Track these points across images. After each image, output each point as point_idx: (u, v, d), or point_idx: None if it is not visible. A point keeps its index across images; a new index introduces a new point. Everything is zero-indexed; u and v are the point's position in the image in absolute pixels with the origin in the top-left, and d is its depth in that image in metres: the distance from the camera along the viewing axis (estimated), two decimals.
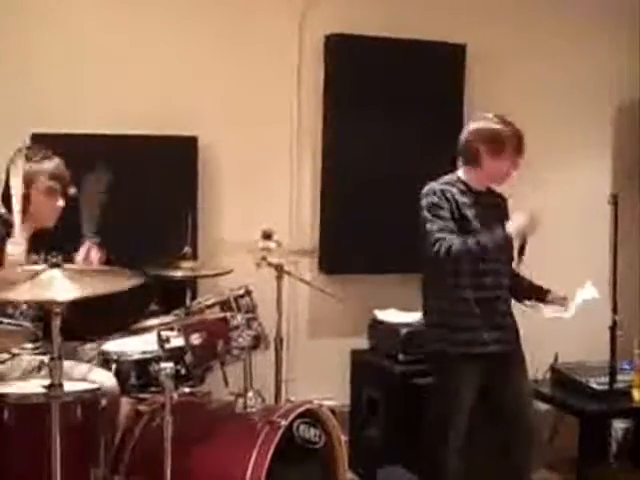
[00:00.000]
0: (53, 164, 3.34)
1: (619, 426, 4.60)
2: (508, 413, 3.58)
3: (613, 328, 4.08)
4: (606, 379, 4.12)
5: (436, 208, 3.44)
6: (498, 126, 3.48)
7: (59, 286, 2.60)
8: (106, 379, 3.16)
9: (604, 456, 4.25)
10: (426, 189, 3.52)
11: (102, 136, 4.07)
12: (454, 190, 3.50)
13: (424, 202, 3.49)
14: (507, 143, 3.48)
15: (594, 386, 4.25)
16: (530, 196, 4.75)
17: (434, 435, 3.57)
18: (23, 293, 2.69)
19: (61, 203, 3.35)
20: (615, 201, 3.96)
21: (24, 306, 3.28)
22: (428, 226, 3.43)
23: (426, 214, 3.46)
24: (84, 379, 3.08)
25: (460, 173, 3.59)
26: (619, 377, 4.17)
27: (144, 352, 3.35)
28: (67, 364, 2.92)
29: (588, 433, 4.25)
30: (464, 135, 3.54)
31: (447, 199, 3.46)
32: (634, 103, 5.17)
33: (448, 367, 3.49)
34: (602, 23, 5.08)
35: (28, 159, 3.27)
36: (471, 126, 3.54)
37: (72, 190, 3.36)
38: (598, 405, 4.17)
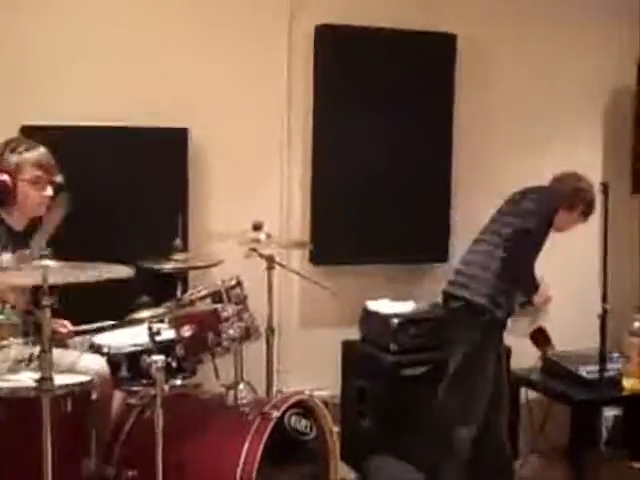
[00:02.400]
0: (38, 153, 3.32)
1: (609, 414, 4.64)
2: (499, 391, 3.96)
3: (603, 317, 4.10)
4: (596, 367, 4.13)
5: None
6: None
7: (49, 273, 2.62)
8: (96, 364, 3.15)
9: (595, 444, 4.28)
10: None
11: (92, 128, 4.05)
12: None
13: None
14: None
15: (584, 374, 4.28)
16: (521, 185, 4.78)
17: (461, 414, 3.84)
18: (14, 277, 2.71)
19: (49, 192, 3.33)
20: (605, 190, 3.97)
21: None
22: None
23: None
24: (73, 367, 3.08)
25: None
26: (609, 365, 4.19)
27: (135, 345, 3.36)
28: (56, 352, 2.92)
29: (579, 421, 4.28)
30: (581, 186, 4.00)
31: None
32: (626, 92, 5.17)
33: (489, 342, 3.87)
34: (595, 12, 5.06)
35: (13, 150, 3.27)
36: (584, 183, 4.01)
37: (59, 178, 3.35)
38: (588, 393, 4.19)
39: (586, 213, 4.03)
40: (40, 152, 3.33)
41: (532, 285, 3.94)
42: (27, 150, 3.31)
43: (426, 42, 4.71)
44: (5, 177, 3.26)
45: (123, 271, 2.75)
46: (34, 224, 3.43)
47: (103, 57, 4.18)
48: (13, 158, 3.27)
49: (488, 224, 4.05)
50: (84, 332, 3.47)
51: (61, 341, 3.34)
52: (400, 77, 4.66)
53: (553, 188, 4.02)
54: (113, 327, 3.49)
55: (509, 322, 3.99)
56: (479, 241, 4.02)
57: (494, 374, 3.91)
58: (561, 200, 3.96)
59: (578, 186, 3.99)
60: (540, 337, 4.23)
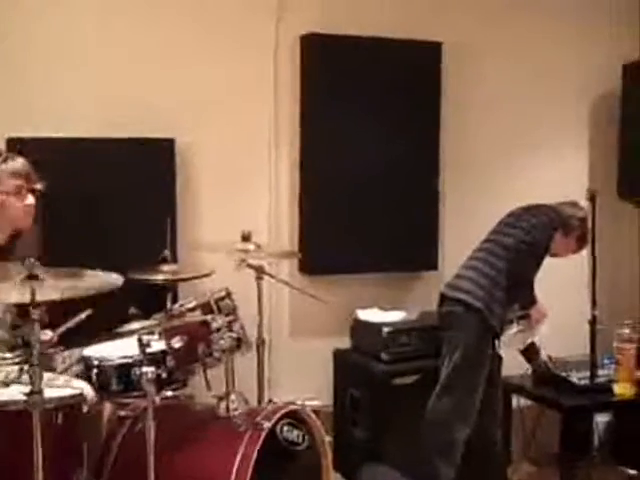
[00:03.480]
0: (15, 163, 3.31)
1: (601, 420, 4.64)
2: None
3: (593, 323, 4.11)
4: (587, 373, 4.14)
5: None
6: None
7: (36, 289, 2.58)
8: (84, 390, 3.13)
9: (586, 450, 4.28)
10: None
11: (79, 139, 4.05)
12: None
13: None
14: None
15: (575, 381, 4.27)
16: (508, 192, 4.81)
17: (458, 415, 3.87)
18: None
19: (31, 200, 3.32)
20: (593, 196, 3.99)
21: None
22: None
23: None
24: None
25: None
26: (600, 371, 4.21)
27: (125, 357, 3.32)
28: (46, 376, 2.90)
29: (570, 427, 4.28)
30: (579, 215, 4.09)
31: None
32: (611, 97, 5.20)
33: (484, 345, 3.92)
34: (579, 17, 5.10)
35: None
36: (582, 212, 4.11)
37: (39, 186, 3.34)
38: (580, 399, 4.19)
39: (580, 241, 4.13)
40: (18, 162, 3.32)
41: (530, 298, 4.04)
42: (4, 162, 3.30)
43: (412, 50, 4.72)
44: None
45: (111, 281, 2.73)
46: (17, 235, 3.40)
47: (89, 69, 4.17)
48: None
49: (489, 234, 4.11)
50: (73, 345, 3.44)
51: (45, 353, 3.31)
52: (387, 85, 4.67)
53: (555, 208, 4.10)
54: (102, 339, 3.46)
55: (504, 336, 4.04)
56: (481, 249, 4.08)
57: (487, 378, 3.94)
58: (561, 221, 4.04)
59: (578, 215, 4.09)
60: (531, 351, 4.29)
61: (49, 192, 3.37)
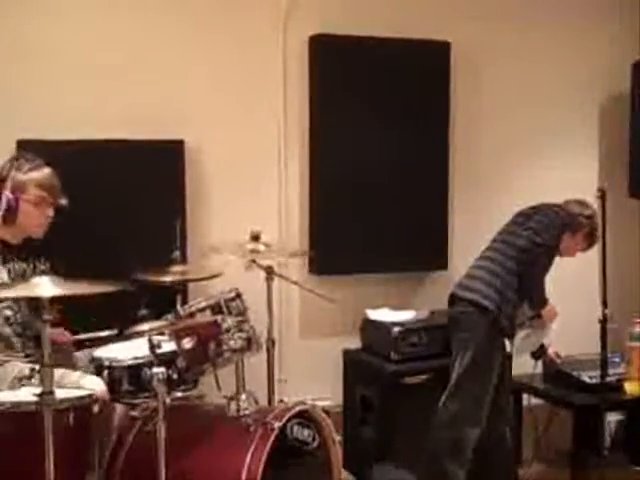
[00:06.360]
0: (43, 174, 3.34)
1: (612, 419, 4.61)
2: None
3: (603, 321, 4.09)
4: (598, 372, 4.12)
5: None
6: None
7: (46, 287, 2.62)
8: (96, 386, 3.15)
9: (598, 449, 4.26)
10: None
11: (88, 141, 4.06)
12: None
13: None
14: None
15: (586, 380, 4.27)
16: (518, 192, 4.80)
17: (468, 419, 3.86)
18: (10, 292, 2.72)
19: (50, 213, 3.36)
20: (603, 195, 3.98)
21: (9, 312, 3.27)
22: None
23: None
24: (76, 387, 3.07)
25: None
26: (610, 370, 4.18)
27: (136, 358, 3.34)
28: (58, 372, 2.92)
29: (581, 427, 4.27)
30: (586, 213, 4.11)
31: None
32: (621, 96, 5.18)
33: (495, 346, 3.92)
34: (588, 16, 5.10)
35: (18, 169, 3.28)
36: (589, 210, 4.12)
37: (63, 200, 3.36)
38: (590, 398, 4.18)
39: (589, 239, 4.13)
40: (45, 172, 3.35)
41: (542, 299, 4.05)
42: (32, 170, 3.33)
43: (420, 50, 4.72)
44: (9, 195, 3.26)
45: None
46: (30, 239, 3.43)
47: (99, 71, 4.17)
48: (18, 177, 3.28)
49: (499, 234, 4.11)
50: (85, 346, 3.47)
51: (62, 351, 3.33)
52: (395, 85, 4.67)
53: (563, 207, 4.10)
54: (113, 341, 3.48)
55: (516, 342, 4.05)
56: (491, 249, 4.07)
57: (498, 378, 3.94)
58: (569, 220, 4.05)
59: (585, 213, 4.10)
60: (540, 351, 4.30)
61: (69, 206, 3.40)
